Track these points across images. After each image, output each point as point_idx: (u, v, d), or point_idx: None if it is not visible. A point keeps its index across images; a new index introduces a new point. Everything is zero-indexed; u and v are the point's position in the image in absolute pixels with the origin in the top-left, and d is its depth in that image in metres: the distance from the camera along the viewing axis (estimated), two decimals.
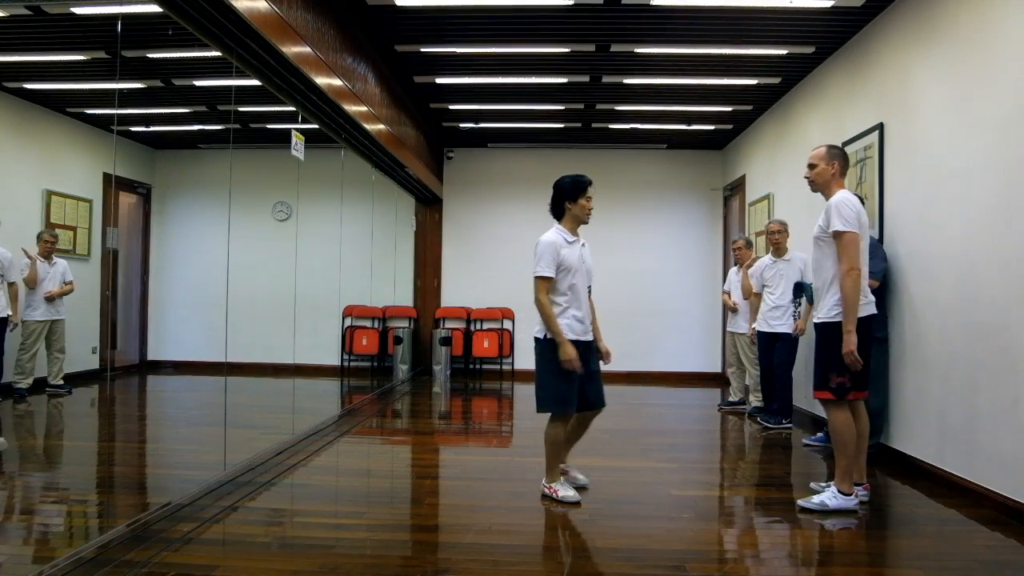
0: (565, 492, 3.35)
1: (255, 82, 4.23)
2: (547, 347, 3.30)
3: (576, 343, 3.27)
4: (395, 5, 4.64)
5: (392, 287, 8.50)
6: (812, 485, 3.54)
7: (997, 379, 3.29)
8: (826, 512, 3.20)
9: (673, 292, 8.52)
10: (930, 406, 3.85)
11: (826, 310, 3.23)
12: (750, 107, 6.80)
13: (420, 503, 3.45)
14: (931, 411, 3.84)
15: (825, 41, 5.09)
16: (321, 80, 4.38)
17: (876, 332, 4.16)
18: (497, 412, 6.36)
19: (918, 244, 4.05)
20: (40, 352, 6.09)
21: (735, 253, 6.17)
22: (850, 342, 3.10)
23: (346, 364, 8.64)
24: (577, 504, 3.29)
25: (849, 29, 4.84)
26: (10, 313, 5.53)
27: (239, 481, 3.59)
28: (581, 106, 6.92)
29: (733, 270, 6.30)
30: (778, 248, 5.36)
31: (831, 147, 3.36)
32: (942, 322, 3.77)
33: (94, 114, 6.86)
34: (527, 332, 8.91)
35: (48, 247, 6.14)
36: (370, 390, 7.66)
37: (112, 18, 4.15)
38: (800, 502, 3.31)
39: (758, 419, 5.52)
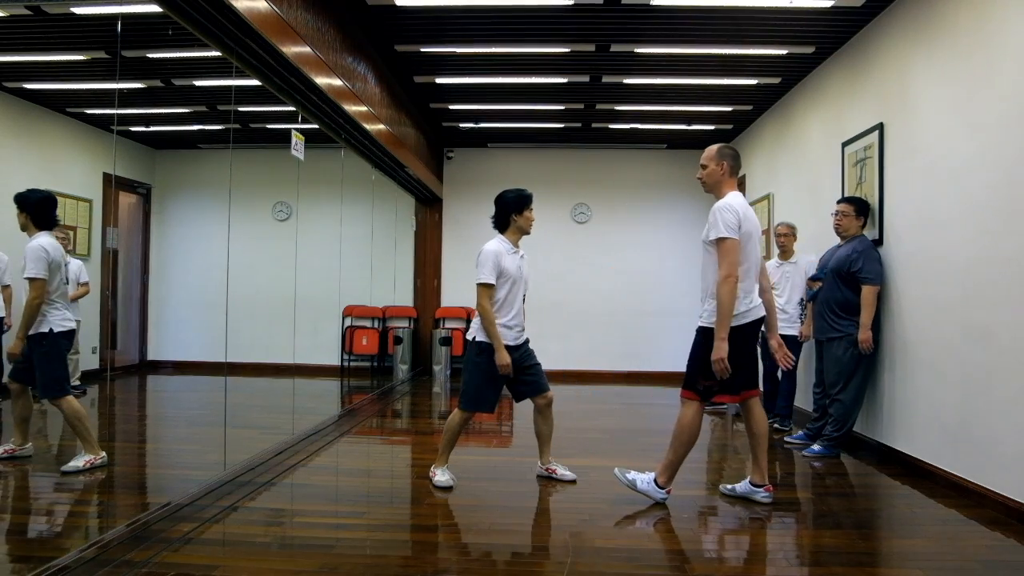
0: (440, 478, 3.56)
1: (255, 82, 4.23)
2: (483, 351, 3.52)
3: (509, 348, 3.50)
4: (395, 5, 4.64)
5: (392, 287, 8.50)
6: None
7: (997, 379, 3.29)
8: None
9: (673, 292, 8.51)
10: (930, 406, 3.85)
11: (708, 315, 3.24)
12: (750, 107, 6.80)
13: (420, 503, 3.45)
14: (931, 411, 3.84)
15: (825, 41, 5.08)
16: (321, 80, 4.38)
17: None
18: (497, 412, 6.34)
19: (918, 244, 4.04)
20: None
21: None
22: (721, 349, 3.07)
23: (346, 364, 8.64)
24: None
25: (849, 29, 4.84)
26: (3, 315, 5.51)
27: (239, 481, 3.59)
28: (581, 106, 6.92)
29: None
30: (784, 251, 5.33)
31: (722, 147, 3.35)
32: (942, 322, 3.77)
33: (94, 114, 6.86)
34: (528, 332, 8.93)
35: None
36: (370, 390, 7.66)
37: (112, 18, 4.14)
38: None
39: None
